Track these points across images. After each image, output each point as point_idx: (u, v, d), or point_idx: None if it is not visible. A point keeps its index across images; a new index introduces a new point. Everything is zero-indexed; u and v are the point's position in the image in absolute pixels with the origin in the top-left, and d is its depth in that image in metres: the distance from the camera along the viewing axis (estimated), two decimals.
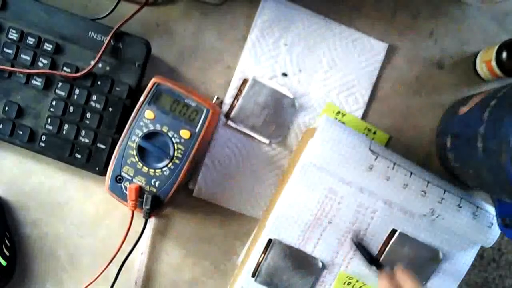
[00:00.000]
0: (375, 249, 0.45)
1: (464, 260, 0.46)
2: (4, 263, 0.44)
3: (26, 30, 0.44)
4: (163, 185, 0.42)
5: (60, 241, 0.48)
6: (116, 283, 0.45)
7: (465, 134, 0.42)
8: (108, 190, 0.43)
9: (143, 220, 0.43)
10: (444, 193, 0.43)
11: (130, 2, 0.47)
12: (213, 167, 0.48)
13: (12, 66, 0.44)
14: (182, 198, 0.48)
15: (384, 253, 0.45)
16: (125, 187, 0.42)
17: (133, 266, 0.48)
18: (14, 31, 0.44)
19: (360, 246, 0.44)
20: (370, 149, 0.42)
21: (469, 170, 0.42)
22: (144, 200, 0.42)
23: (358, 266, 0.45)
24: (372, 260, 0.44)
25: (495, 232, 0.44)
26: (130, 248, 0.44)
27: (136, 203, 0.42)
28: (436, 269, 0.45)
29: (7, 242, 0.45)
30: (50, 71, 0.44)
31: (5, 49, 0.44)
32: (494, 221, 0.44)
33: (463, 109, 0.44)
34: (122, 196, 0.42)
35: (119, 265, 0.45)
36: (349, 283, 0.45)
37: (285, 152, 0.49)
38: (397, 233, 0.44)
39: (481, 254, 1.21)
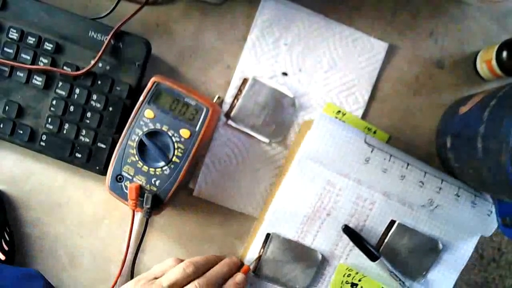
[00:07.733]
0: (374, 240, 0.45)
1: (464, 250, 0.46)
2: (2, 257, 0.44)
3: (26, 30, 0.44)
4: (163, 184, 0.42)
5: (60, 241, 0.48)
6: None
7: (465, 134, 0.42)
8: (108, 189, 0.43)
9: (144, 219, 0.43)
10: (441, 182, 0.43)
11: (130, 2, 0.47)
12: (213, 166, 0.48)
13: (12, 66, 0.44)
14: (182, 197, 0.48)
15: (384, 244, 0.45)
16: (126, 187, 0.42)
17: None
18: (14, 31, 0.44)
19: (351, 234, 0.44)
20: (365, 141, 0.42)
21: (469, 170, 0.42)
22: (145, 200, 0.42)
23: (358, 258, 0.45)
24: (364, 249, 0.44)
25: (495, 220, 0.44)
26: (131, 249, 0.44)
27: (136, 203, 0.42)
28: (436, 260, 0.45)
29: (6, 236, 0.45)
30: (50, 67, 0.44)
31: (5, 49, 0.44)
32: (493, 209, 0.43)
33: (463, 109, 0.44)
34: (122, 196, 0.42)
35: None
36: (349, 275, 0.45)
37: (285, 151, 0.49)
38: (396, 224, 0.44)
39: (481, 254, 1.21)
